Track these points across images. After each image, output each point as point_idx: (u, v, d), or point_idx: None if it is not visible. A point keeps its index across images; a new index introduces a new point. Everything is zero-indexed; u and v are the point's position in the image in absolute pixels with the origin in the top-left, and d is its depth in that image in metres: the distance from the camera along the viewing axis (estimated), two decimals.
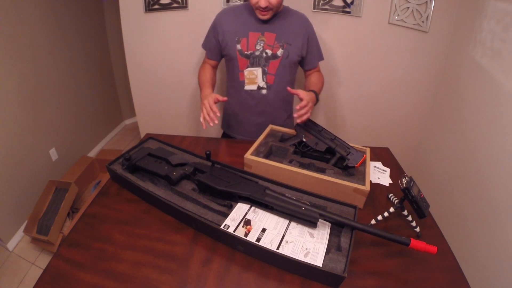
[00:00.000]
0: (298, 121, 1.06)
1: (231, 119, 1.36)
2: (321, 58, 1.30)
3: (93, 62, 2.63)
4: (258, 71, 1.18)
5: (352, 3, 1.52)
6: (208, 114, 1.03)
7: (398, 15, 1.54)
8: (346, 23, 1.58)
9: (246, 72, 1.19)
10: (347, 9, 1.54)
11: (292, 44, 1.17)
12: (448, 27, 1.57)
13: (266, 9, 1.06)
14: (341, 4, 1.53)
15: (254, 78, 1.19)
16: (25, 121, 1.90)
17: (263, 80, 1.20)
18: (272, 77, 1.20)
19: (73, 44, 2.34)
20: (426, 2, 1.50)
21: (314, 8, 1.54)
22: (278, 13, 1.16)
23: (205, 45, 1.27)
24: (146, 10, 1.58)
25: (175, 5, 1.56)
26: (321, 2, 1.53)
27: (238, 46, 1.16)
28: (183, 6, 1.56)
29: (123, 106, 3.24)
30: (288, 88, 1.06)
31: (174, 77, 1.78)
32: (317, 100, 1.16)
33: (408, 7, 1.52)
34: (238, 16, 1.17)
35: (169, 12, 1.58)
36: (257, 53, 1.16)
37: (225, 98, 1.10)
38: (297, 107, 1.01)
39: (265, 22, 1.15)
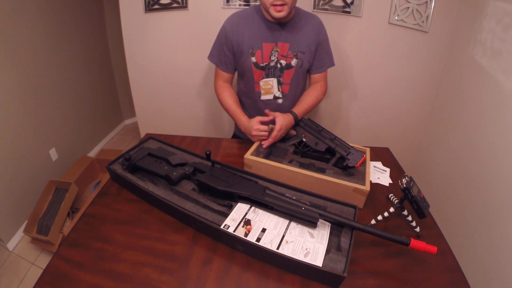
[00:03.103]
0: (264, 146, 1.07)
1: None
2: (330, 64, 1.23)
3: (93, 62, 2.63)
4: (273, 81, 1.17)
5: (352, 3, 1.52)
6: (263, 138, 1.07)
7: (398, 15, 1.53)
8: (346, 23, 1.58)
9: (262, 83, 1.17)
10: (347, 9, 1.54)
11: (306, 52, 1.14)
12: (448, 27, 1.57)
13: (282, 3, 0.98)
14: (341, 4, 1.53)
15: (270, 88, 1.18)
16: (25, 121, 1.90)
17: (278, 90, 1.19)
18: (287, 86, 1.19)
19: (73, 44, 2.34)
20: (426, 2, 1.50)
21: (314, 8, 1.54)
22: (291, 20, 1.10)
23: (218, 60, 1.18)
24: (146, 10, 1.58)
25: (175, 5, 1.56)
26: (321, 2, 1.53)
27: (253, 59, 1.12)
28: (183, 6, 1.56)
29: (123, 106, 3.24)
30: (266, 111, 1.11)
31: (174, 77, 1.77)
32: (295, 123, 1.12)
33: (408, 7, 1.51)
34: (249, 24, 1.10)
35: (169, 12, 1.58)
36: (271, 64, 1.14)
37: (267, 118, 1.10)
38: (273, 133, 1.06)
39: (277, 29, 1.10)
